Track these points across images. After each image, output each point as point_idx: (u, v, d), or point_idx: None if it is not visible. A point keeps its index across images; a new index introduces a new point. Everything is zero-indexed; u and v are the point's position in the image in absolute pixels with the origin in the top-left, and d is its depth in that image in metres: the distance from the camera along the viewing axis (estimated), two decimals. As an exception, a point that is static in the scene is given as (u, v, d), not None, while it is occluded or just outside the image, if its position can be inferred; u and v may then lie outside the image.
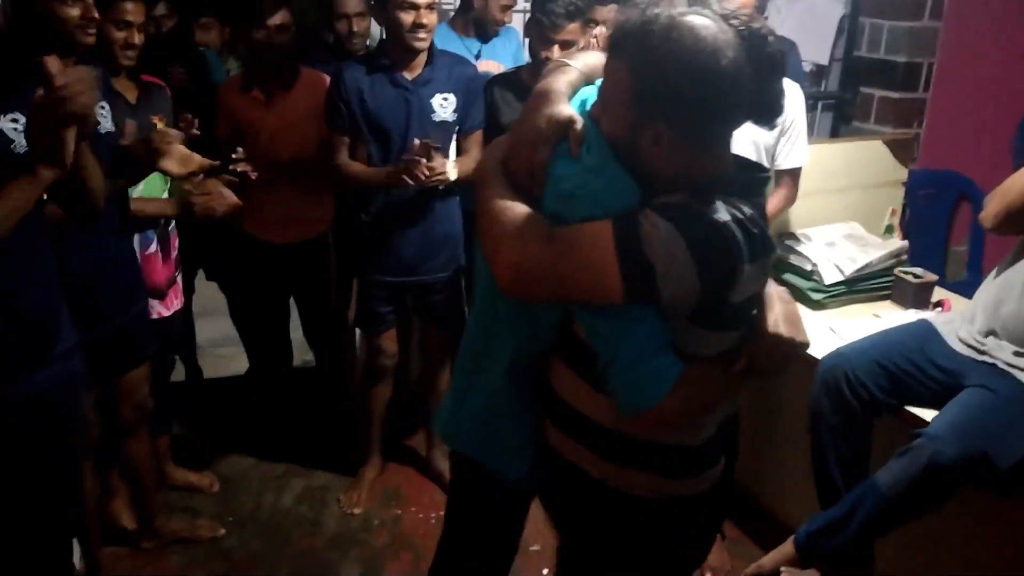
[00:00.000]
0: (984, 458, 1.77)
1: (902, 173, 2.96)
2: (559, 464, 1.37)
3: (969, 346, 2.00)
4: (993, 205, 1.93)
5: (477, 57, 2.97)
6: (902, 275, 2.53)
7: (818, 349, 2.14)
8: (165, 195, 2.38)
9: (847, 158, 2.86)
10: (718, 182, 1.17)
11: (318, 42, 3.06)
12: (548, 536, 1.72)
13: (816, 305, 2.51)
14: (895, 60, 3.38)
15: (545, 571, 2.42)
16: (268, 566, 2.52)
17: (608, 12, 2.62)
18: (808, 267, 2.55)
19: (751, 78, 1.12)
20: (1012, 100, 3.07)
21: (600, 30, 2.49)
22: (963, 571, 2.08)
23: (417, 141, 2.34)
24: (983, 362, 1.95)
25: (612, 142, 1.18)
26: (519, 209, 1.20)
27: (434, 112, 2.47)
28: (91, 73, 1.39)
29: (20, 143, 1.49)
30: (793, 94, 2.39)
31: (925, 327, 2.12)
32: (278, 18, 2.51)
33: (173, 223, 2.47)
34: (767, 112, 1.20)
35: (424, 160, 2.30)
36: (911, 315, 2.38)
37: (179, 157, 1.97)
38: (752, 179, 1.26)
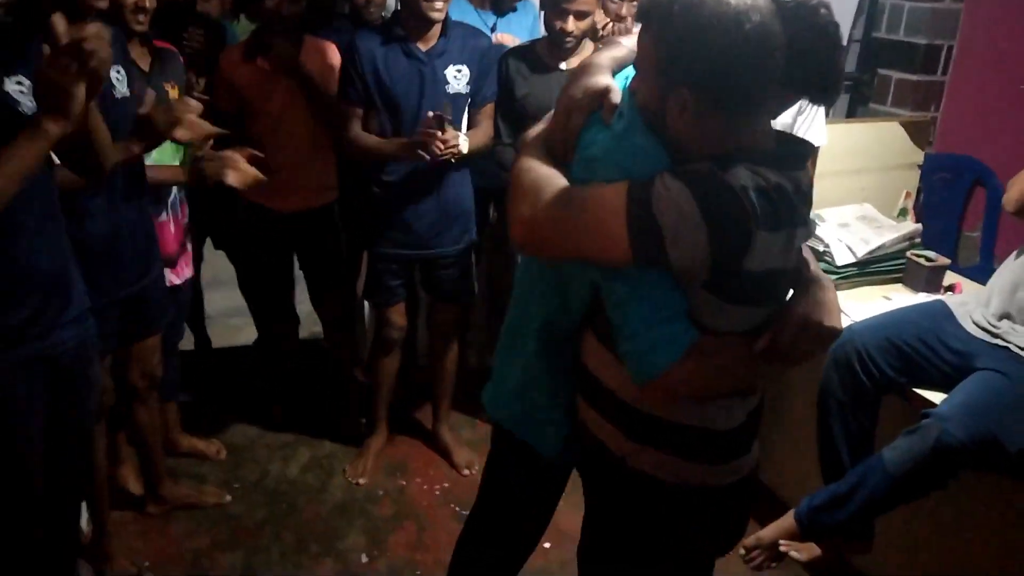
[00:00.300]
0: (994, 441, 1.76)
1: (918, 156, 2.94)
2: (588, 438, 1.38)
3: (983, 329, 2.00)
4: (1016, 189, 1.93)
5: (492, 30, 2.94)
6: (914, 258, 2.51)
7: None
8: (176, 163, 2.38)
9: (863, 140, 2.83)
10: (753, 155, 1.15)
11: (335, 11, 3.02)
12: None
13: (827, 286, 2.50)
14: (915, 42, 3.33)
15: (547, 545, 2.42)
16: (273, 533, 2.54)
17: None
18: (821, 248, 2.53)
19: (807, 52, 1.11)
20: (1032, 86, 3.03)
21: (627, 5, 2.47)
22: (967, 558, 2.08)
23: (431, 113, 2.33)
24: (996, 345, 1.95)
25: (644, 112, 1.17)
26: (542, 170, 1.22)
27: (448, 84, 2.46)
28: (106, 31, 1.38)
29: (27, 105, 1.48)
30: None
31: (940, 307, 2.11)
32: None
33: (183, 191, 2.46)
34: (823, 88, 1.18)
35: (439, 133, 2.29)
36: (922, 298, 2.36)
37: (188, 124, 2.01)
38: (791, 152, 1.23)
